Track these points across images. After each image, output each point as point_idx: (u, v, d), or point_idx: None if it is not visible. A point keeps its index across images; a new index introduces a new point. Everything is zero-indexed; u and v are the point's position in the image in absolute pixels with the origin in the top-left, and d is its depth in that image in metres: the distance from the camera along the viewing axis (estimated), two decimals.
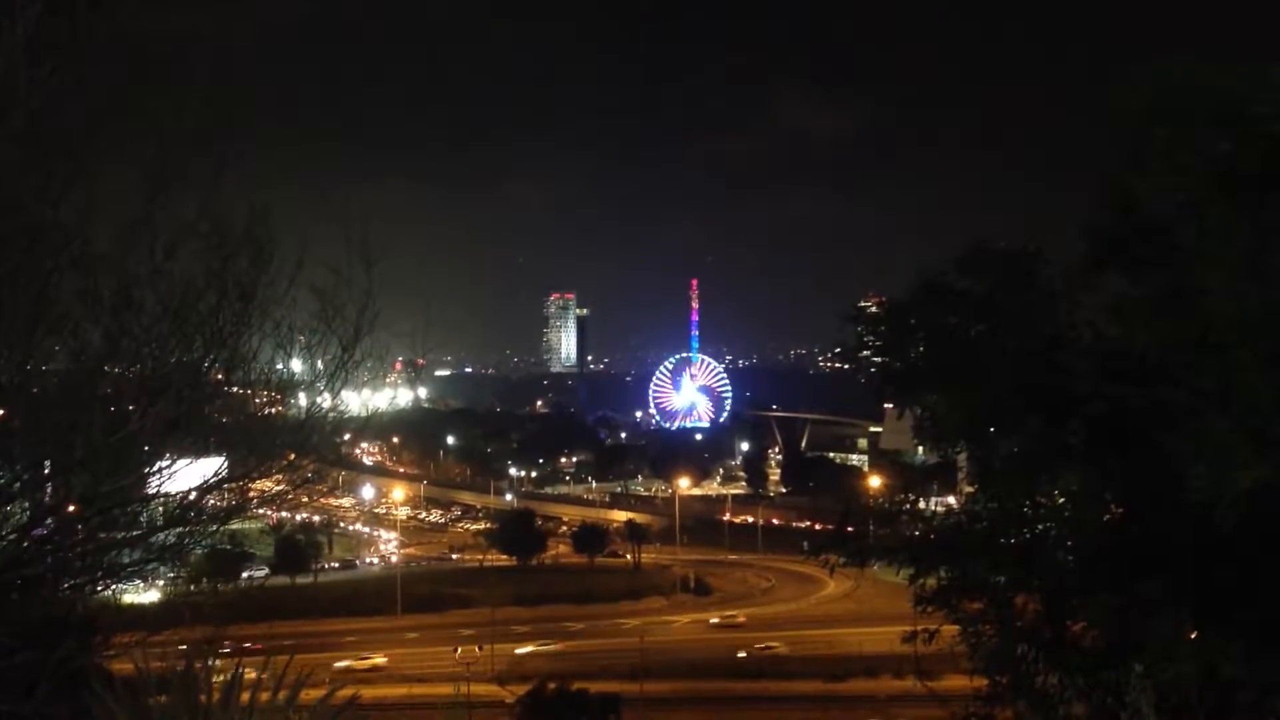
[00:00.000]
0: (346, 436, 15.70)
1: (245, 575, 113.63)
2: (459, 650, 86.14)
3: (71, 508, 9.24)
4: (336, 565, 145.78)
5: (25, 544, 8.98)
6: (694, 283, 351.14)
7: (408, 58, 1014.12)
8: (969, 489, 15.63)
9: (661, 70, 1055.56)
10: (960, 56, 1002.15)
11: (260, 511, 13.02)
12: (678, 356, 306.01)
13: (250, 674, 6.47)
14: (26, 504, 9.21)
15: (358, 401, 13.15)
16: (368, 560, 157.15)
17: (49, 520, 9.23)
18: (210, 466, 10.04)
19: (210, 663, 6.44)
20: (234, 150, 9.51)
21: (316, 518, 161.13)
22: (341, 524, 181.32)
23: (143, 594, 13.21)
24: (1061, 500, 14.77)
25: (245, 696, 6.23)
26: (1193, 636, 12.28)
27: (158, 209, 8.75)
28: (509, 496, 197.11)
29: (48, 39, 7.71)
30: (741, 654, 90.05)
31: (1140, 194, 12.77)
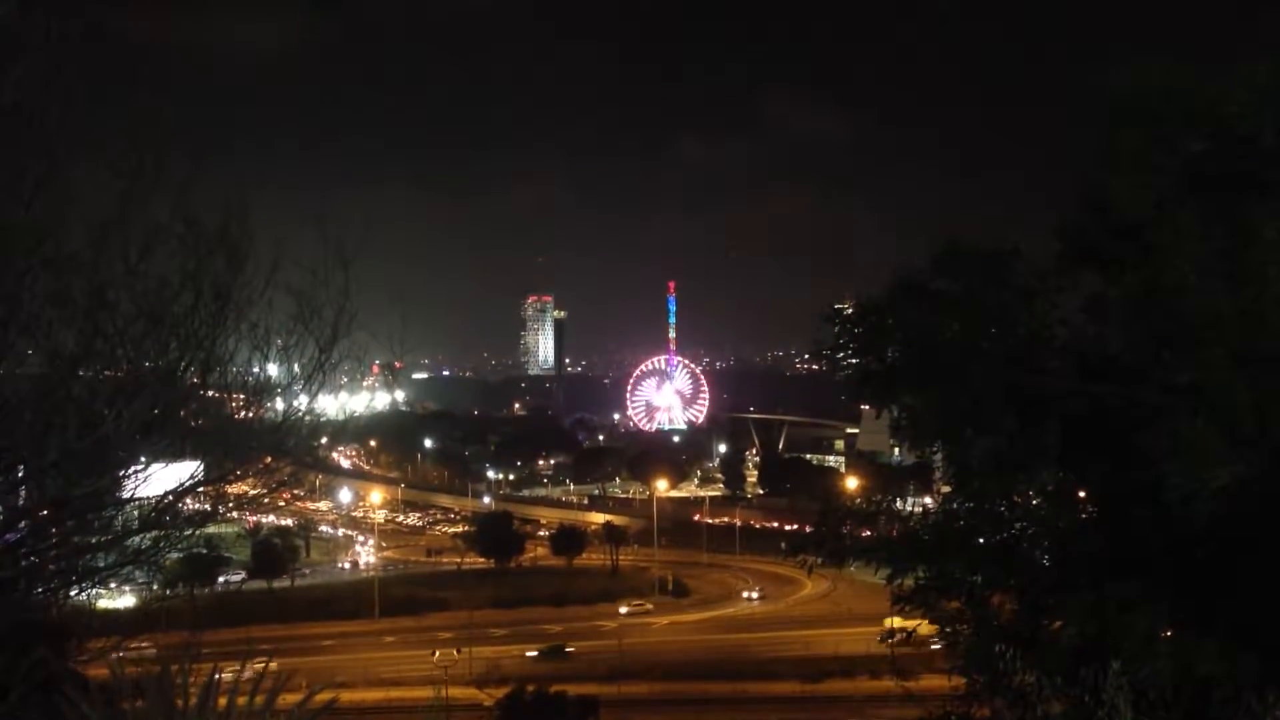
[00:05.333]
0: (323, 439, 15.61)
1: (221, 580, 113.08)
2: (437, 653, 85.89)
3: (45, 511, 9.15)
4: (309, 571, 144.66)
5: None
6: (671, 285, 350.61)
7: (387, 58, 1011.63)
8: (946, 489, 15.69)
9: (638, 72, 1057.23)
10: (939, 57, 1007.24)
11: (236, 515, 12.97)
12: (655, 358, 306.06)
13: (227, 677, 6.41)
14: None
15: (335, 404, 13.09)
16: (345, 564, 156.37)
17: (22, 524, 9.14)
18: (186, 469, 9.97)
19: (186, 667, 6.38)
20: (209, 150, 9.46)
21: (293, 521, 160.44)
22: (322, 526, 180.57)
23: (118, 598, 13.10)
24: (1037, 500, 14.85)
25: (222, 701, 6.18)
26: (1169, 634, 12.36)
27: (132, 209, 8.68)
28: (486, 499, 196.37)
29: (21, 35, 7.65)
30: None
31: (1114, 194, 12.84)
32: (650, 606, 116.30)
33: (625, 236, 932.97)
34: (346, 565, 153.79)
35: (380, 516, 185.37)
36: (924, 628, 15.54)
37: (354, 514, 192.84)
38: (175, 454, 9.94)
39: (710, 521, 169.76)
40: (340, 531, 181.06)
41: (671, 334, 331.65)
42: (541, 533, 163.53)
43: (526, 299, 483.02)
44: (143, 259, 8.90)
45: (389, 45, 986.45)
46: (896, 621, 15.53)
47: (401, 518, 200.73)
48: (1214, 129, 11.59)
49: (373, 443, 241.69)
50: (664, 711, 73.49)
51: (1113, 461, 12.87)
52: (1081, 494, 14.67)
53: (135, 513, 9.76)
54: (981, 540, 14.90)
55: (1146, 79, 12.20)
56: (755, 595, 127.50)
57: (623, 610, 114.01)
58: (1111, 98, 12.80)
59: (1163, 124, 11.94)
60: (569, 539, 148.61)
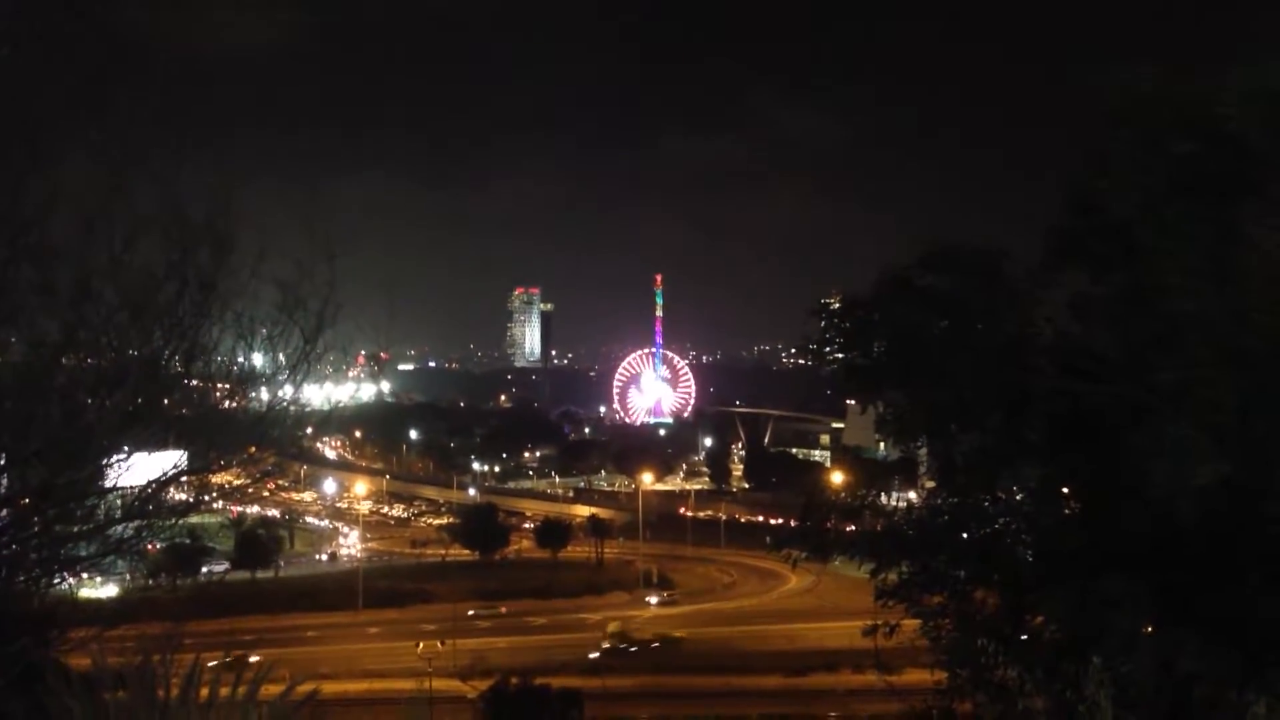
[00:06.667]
0: (308, 430, 15.57)
1: (204, 570, 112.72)
2: (421, 645, 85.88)
3: (27, 500, 9.11)
4: (288, 563, 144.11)
5: None
6: (658, 278, 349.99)
7: (380, 53, 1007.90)
8: (930, 484, 15.74)
9: (627, 68, 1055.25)
10: (930, 58, 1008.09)
11: (220, 505, 12.91)
12: (641, 352, 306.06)
13: (209, 669, 6.39)
14: None
15: (320, 395, 13.05)
16: (328, 555, 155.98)
17: (3, 513, 9.09)
18: (169, 459, 9.93)
19: (168, 658, 6.36)
20: (194, 141, 9.43)
21: (277, 512, 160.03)
22: (306, 517, 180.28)
23: (100, 588, 13.04)
24: (1021, 496, 14.91)
25: (204, 692, 6.16)
26: (1151, 631, 12.42)
27: (118, 199, 8.63)
28: (472, 491, 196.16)
29: (8, 28, 7.60)
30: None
31: (1102, 194, 12.88)
32: (504, 610, 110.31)
33: (614, 230, 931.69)
34: (325, 557, 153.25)
35: (365, 508, 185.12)
36: (907, 623, 15.58)
37: (339, 505, 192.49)
38: (158, 443, 9.90)
39: (695, 515, 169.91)
40: (325, 523, 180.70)
41: (658, 328, 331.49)
42: (526, 525, 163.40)
43: (514, 291, 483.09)
44: (128, 249, 8.86)
45: (383, 41, 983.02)
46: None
47: (386, 509, 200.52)
48: (1204, 130, 11.62)
49: (358, 434, 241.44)
50: (648, 704, 73.58)
51: (1097, 458, 12.92)
52: (1065, 490, 14.73)
53: (118, 502, 9.73)
54: (965, 535, 14.95)
55: (1138, 81, 12.23)
56: (655, 600, 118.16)
57: (470, 613, 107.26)
58: (1108, 99, 12.84)
59: (1153, 125, 11.97)
60: (554, 532, 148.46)
